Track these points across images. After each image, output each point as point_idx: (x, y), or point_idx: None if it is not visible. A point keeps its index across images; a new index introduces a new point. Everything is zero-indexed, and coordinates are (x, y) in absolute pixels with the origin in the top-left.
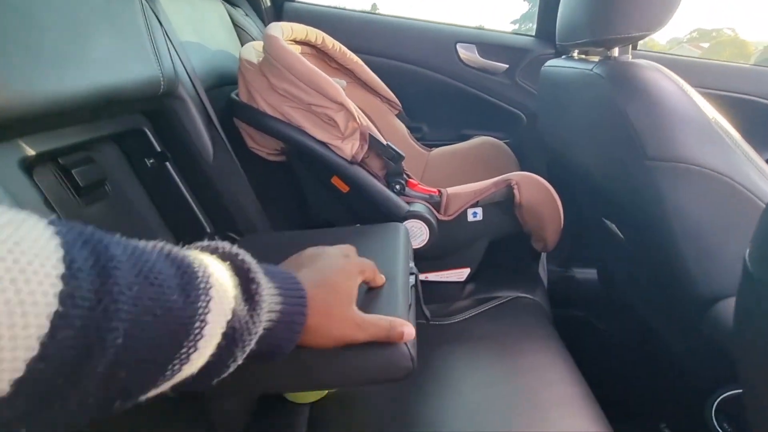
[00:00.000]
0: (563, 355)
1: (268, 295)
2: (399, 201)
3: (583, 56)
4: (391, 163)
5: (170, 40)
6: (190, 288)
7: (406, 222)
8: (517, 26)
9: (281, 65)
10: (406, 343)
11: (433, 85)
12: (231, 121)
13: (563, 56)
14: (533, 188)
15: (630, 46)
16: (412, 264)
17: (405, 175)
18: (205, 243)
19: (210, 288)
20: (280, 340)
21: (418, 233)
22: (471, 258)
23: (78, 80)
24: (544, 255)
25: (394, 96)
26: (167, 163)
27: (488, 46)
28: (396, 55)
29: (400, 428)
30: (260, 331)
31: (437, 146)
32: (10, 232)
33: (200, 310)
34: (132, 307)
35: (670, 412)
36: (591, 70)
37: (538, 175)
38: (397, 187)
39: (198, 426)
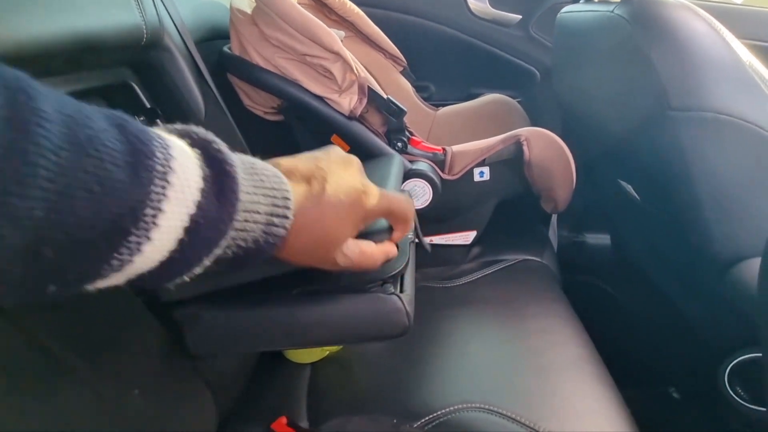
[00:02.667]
0: (570, 316)
1: (246, 194)
2: None
3: None
4: (392, 119)
5: None
6: (142, 168)
7: (408, 181)
8: None
9: (273, 12)
10: (401, 299)
11: (440, 39)
12: (225, 78)
13: (582, 0)
14: (544, 144)
15: None
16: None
17: (407, 132)
18: (179, 126)
19: (169, 173)
20: (254, 248)
21: (420, 193)
22: (477, 220)
23: (48, 23)
24: (554, 219)
25: (398, 51)
26: (158, 121)
27: None
28: (400, 7)
29: (402, 388)
30: (231, 234)
31: (444, 105)
32: None
33: (153, 196)
34: (57, 175)
35: (680, 376)
36: (612, 11)
37: None
38: (399, 144)
39: (193, 385)
